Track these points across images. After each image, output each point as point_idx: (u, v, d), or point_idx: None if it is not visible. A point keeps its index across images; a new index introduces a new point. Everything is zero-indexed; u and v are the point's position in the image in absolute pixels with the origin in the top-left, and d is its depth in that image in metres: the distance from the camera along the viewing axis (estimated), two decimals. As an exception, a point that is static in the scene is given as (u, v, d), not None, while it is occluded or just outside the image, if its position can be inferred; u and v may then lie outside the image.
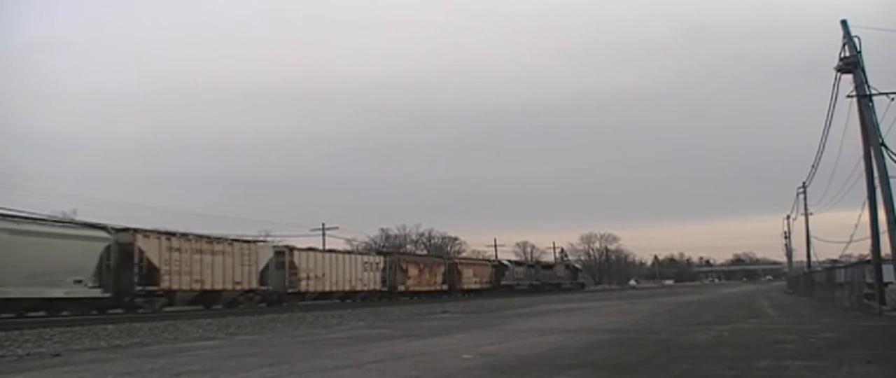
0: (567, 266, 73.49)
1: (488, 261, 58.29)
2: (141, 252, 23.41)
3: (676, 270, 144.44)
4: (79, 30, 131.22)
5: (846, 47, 17.89)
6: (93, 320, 18.45)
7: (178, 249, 24.88)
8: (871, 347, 9.52)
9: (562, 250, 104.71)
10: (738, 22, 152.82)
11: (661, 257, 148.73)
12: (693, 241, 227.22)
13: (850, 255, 30.22)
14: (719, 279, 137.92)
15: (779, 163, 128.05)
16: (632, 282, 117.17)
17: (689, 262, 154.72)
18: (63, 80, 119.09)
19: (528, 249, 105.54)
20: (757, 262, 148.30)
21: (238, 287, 27.22)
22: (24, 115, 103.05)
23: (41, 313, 20.27)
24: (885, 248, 17.82)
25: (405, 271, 40.14)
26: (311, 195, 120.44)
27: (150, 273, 23.63)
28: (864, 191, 18.22)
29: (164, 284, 24.06)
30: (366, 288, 35.63)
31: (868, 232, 18.50)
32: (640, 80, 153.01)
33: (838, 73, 18.27)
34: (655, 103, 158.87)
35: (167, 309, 23.92)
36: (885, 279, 18.16)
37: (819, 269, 38.53)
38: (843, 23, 18.05)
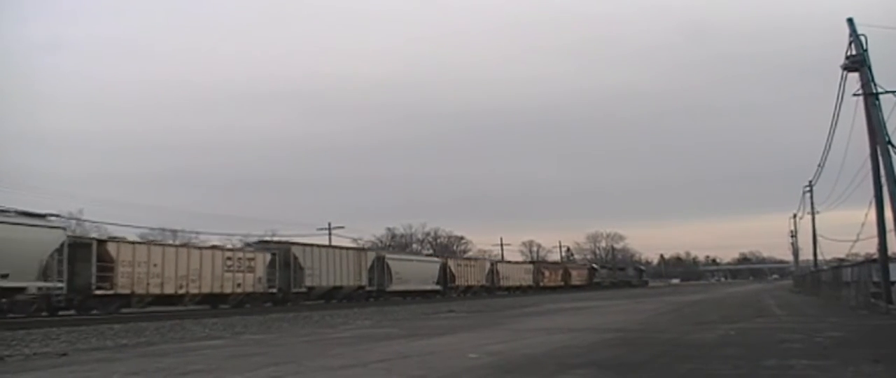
0: (635, 268, 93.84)
1: (584, 264, 79.67)
2: (450, 267, 46.98)
3: (682, 269, 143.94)
4: (79, 29, 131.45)
5: (852, 45, 17.80)
6: (99, 320, 18.72)
7: (461, 265, 50.12)
8: (877, 346, 9.47)
9: (567, 249, 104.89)
10: (742, 18, 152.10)
11: (667, 256, 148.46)
12: (699, 239, 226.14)
13: (856, 254, 30.12)
14: (725, 278, 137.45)
15: (785, 161, 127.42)
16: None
17: (695, 261, 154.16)
18: (64, 80, 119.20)
19: (534, 248, 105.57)
20: (763, 260, 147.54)
21: (478, 283, 50.05)
22: (26, 115, 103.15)
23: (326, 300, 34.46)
24: (892, 247, 17.86)
25: (543, 273, 61.86)
26: (317, 194, 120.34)
27: (453, 276, 46.74)
28: (871, 189, 18.15)
29: (457, 283, 47.06)
30: (526, 284, 57.47)
31: (875, 230, 18.42)
32: (644, 78, 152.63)
33: (844, 72, 18.20)
34: (661, 101, 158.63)
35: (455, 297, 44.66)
36: (892, 278, 18.02)
37: (825, 267, 38.33)
38: (850, 21, 17.95)
